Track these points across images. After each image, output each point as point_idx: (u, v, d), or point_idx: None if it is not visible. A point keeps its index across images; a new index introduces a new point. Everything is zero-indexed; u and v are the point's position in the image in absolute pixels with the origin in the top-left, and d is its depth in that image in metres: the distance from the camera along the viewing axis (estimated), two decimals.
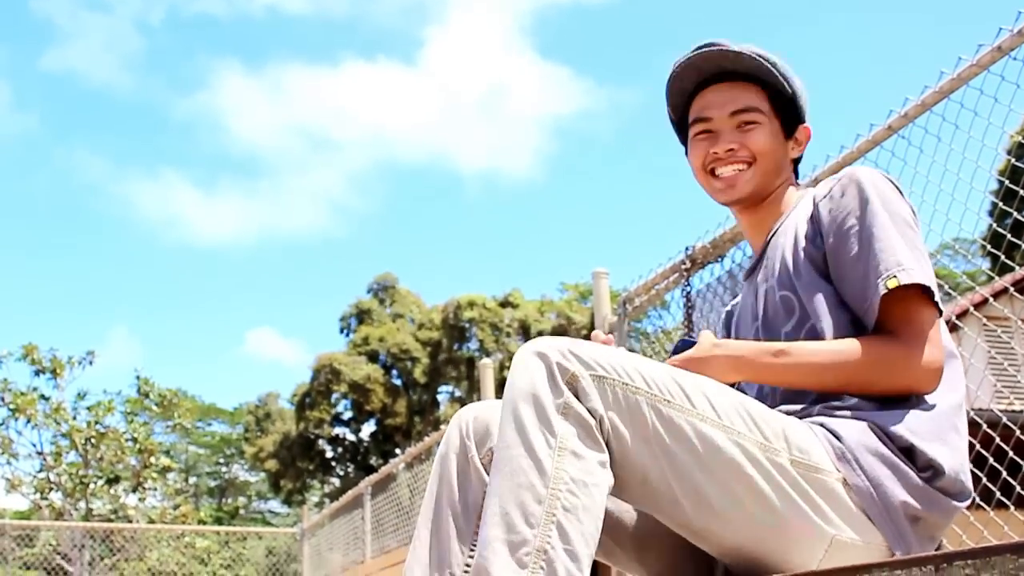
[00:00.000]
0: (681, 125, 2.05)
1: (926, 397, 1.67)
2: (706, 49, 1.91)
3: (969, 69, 2.92)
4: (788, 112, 1.96)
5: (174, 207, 61.31)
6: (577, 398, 1.43)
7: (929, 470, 1.62)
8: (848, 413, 1.64)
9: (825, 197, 1.79)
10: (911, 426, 1.62)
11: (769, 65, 1.90)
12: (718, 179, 1.94)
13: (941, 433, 1.65)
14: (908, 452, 1.61)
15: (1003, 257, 3.13)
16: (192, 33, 61.70)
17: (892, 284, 1.62)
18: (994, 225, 3.35)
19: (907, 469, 1.60)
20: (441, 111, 60.29)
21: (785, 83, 1.93)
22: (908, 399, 1.66)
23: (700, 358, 1.70)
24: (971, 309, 3.53)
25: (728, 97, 1.93)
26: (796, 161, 2.03)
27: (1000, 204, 3.13)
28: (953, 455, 1.65)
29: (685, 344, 1.77)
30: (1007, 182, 3.07)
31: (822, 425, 1.63)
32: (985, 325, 3.43)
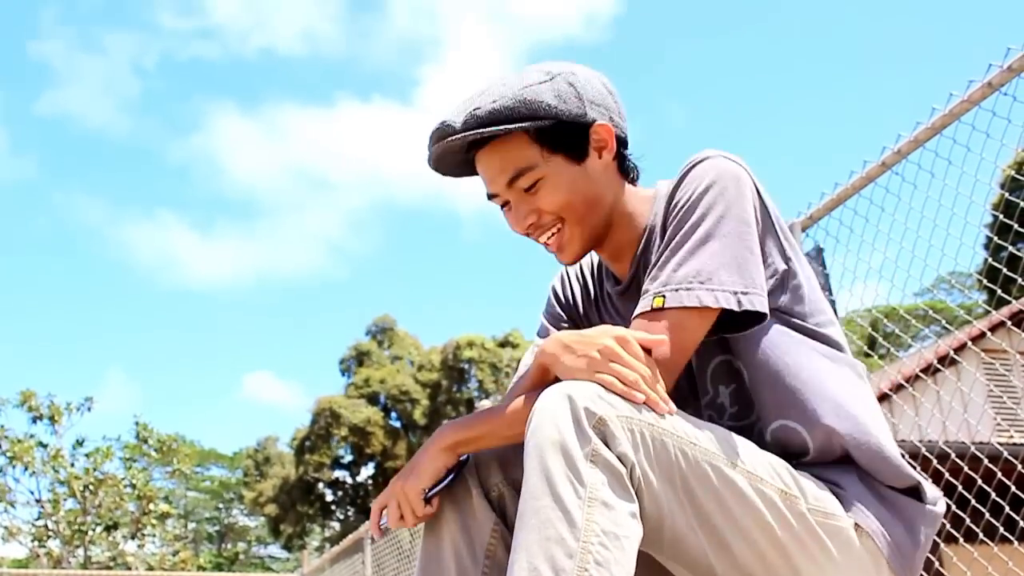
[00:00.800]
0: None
1: (870, 411, 1.64)
2: (436, 147, 1.65)
3: (960, 105, 2.94)
4: (564, 136, 1.65)
5: (171, 250, 61.62)
6: (606, 443, 1.35)
7: (913, 492, 1.63)
8: (827, 463, 1.63)
9: (667, 198, 1.65)
10: (883, 456, 1.61)
11: (505, 118, 1.61)
12: (547, 246, 1.73)
13: (891, 445, 1.64)
14: (894, 481, 1.61)
15: (999, 291, 3.14)
16: (186, 76, 62.34)
17: (657, 303, 1.53)
18: (989, 259, 3.36)
19: (902, 500, 1.61)
20: None
21: (540, 112, 1.62)
22: (860, 423, 1.61)
23: None
24: (969, 343, 3.52)
25: (495, 167, 1.66)
26: (620, 158, 1.74)
27: (995, 238, 3.15)
28: (903, 462, 1.64)
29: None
30: (1001, 216, 3.08)
31: (817, 477, 1.60)
32: (983, 359, 3.43)
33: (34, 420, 16.27)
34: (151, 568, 15.78)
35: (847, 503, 1.58)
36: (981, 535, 3.10)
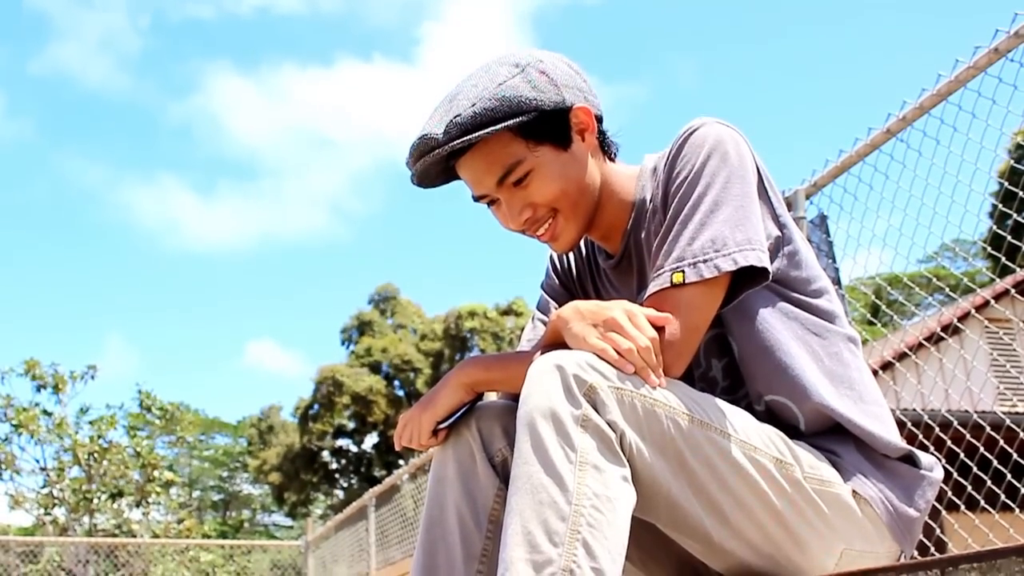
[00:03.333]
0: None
1: (864, 380, 1.66)
2: (421, 163, 1.61)
3: (966, 71, 2.92)
4: (546, 123, 1.63)
5: (173, 212, 61.33)
6: (596, 410, 1.36)
7: (908, 460, 1.64)
8: (821, 429, 1.63)
9: (664, 171, 1.64)
10: (879, 426, 1.62)
11: (489, 119, 1.57)
12: (539, 238, 1.71)
13: (885, 413, 1.66)
14: (886, 451, 1.62)
15: (1004, 259, 3.13)
16: (181, 36, 61.79)
17: (677, 279, 1.51)
18: (994, 227, 3.35)
19: (899, 466, 1.62)
20: None
21: (518, 108, 1.59)
22: (854, 392, 1.63)
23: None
24: (972, 312, 3.52)
25: (482, 168, 1.64)
26: (600, 136, 1.73)
27: (1000, 206, 3.14)
28: (896, 430, 1.66)
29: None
30: (1006, 184, 3.06)
31: (812, 446, 1.61)
32: (987, 327, 3.43)
33: (38, 389, 16.33)
34: (156, 536, 15.88)
35: (844, 471, 1.59)
36: (983, 503, 3.11)
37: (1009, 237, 3.07)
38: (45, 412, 16.12)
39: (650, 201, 1.70)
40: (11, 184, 58.99)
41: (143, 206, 61.34)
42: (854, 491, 1.57)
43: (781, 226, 1.65)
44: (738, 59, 60.90)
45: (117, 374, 61.30)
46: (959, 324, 3.43)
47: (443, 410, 1.66)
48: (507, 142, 1.62)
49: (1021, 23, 2.74)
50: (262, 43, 62.88)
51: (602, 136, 1.74)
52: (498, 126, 1.57)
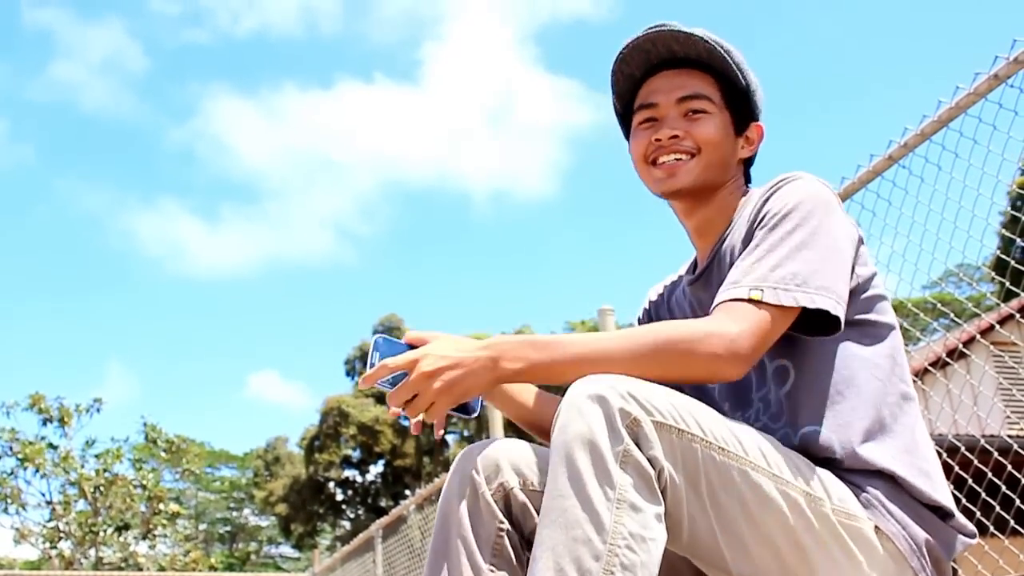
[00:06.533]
0: (626, 115, 1.92)
1: (915, 437, 1.65)
2: (655, 30, 1.78)
3: (967, 98, 2.93)
4: (741, 106, 1.83)
5: (175, 237, 61.19)
6: (638, 445, 1.34)
7: (939, 511, 1.62)
8: (855, 467, 1.62)
9: (761, 199, 1.70)
10: (924, 480, 1.61)
11: (723, 52, 1.77)
12: (658, 167, 1.80)
13: (936, 472, 1.65)
14: (920, 495, 1.61)
15: (1008, 283, 3.13)
16: (178, 61, 61.92)
17: (755, 296, 1.53)
18: (998, 252, 3.35)
19: (925, 512, 1.61)
20: (446, 129, 59.97)
21: (740, 74, 1.81)
22: (900, 443, 1.63)
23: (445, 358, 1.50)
24: (978, 336, 3.52)
25: (677, 83, 1.80)
26: (748, 162, 1.89)
27: (1003, 231, 3.14)
28: (947, 493, 1.65)
29: (391, 344, 1.60)
30: (1009, 209, 3.07)
31: (840, 479, 1.60)
32: (993, 352, 3.42)
33: (44, 422, 16.33)
34: (163, 568, 15.84)
35: (868, 505, 1.57)
36: (992, 528, 3.10)
37: (1013, 262, 3.07)
38: (51, 446, 16.13)
39: (746, 223, 1.73)
40: (11, 210, 59.03)
41: (145, 231, 61.35)
42: (876, 527, 1.55)
43: (872, 274, 1.71)
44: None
45: (117, 403, 61.15)
46: (965, 349, 3.43)
47: (464, 395, 1.54)
48: (708, 83, 1.80)
49: (1020, 49, 2.75)
50: (261, 66, 63.20)
51: (751, 161, 1.89)
52: (727, 57, 1.77)
